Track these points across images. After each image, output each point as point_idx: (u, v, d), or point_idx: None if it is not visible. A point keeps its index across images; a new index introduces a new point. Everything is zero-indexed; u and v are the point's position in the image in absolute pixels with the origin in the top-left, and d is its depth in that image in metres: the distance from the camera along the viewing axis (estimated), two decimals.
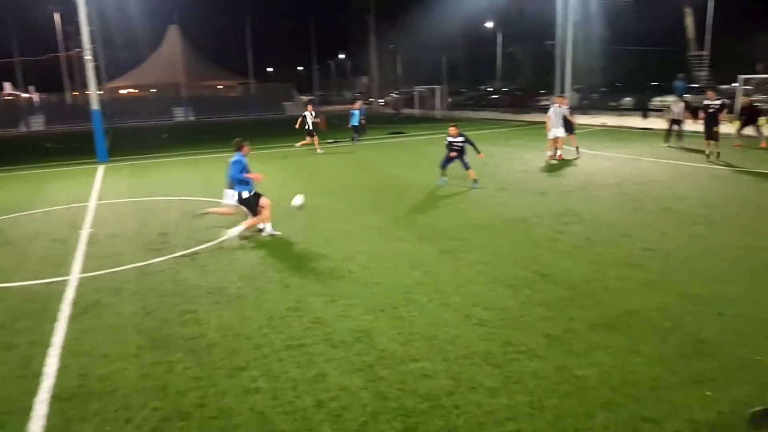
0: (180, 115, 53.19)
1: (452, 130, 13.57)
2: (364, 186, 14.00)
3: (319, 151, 21.53)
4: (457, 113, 41.05)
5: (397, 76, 70.05)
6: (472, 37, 59.64)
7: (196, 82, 62.69)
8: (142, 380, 4.97)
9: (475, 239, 8.87)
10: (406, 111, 44.54)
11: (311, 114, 22.34)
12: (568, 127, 16.98)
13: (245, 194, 9.24)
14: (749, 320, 5.64)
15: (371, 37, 60.53)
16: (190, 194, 13.74)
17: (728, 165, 14.80)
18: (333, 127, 26.92)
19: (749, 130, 18.35)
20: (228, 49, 70.89)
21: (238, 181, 9.15)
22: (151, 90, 63.30)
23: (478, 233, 9.22)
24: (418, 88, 48.20)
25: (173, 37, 64.01)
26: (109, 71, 51.26)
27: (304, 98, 66.87)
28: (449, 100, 46.51)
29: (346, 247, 8.69)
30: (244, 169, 9.11)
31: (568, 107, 17.48)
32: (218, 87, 69.89)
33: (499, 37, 53.60)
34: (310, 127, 22.04)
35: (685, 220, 9.52)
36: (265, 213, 9.43)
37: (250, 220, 9.40)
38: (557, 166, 15.85)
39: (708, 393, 4.43)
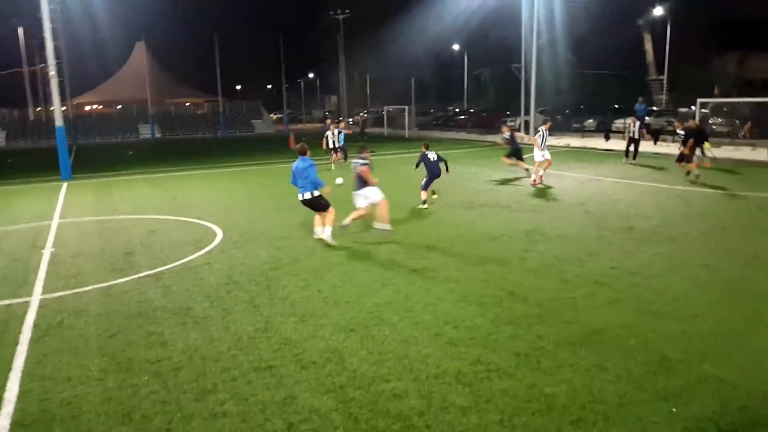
0: (146, 132, 52.48)
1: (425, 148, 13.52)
2: (334, 204, 13.94)
3: (333, 167, 21.32)
4: (425, 133, 41.49)
5: (366, 95, 70.65)
6: (439, 58, 60.73)
7: (163, 99, 62.04)
8: (106, 405, 4.82)
9: (445, 257, 8.92)
10: (377, 131, 44.81)
11: (333, 133, 22.35)
12: (517, 150, 17.89)
13: (313, 194, 9.89)
14: (712, 337, 5.77)
15: (340, 57, 60.95)
16: (155, 212, 13.52)
17: (689, 185, 15.26)
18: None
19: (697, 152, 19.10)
20: (196, 66, 70.67)
21: (312, 182, 9.84)
22: (117, 106, 62.32)
23: (448, 251, 9.28)
24: (387, 108, 48.62)
25: (140, 53, 63.31)
26: (74, 87, 50.32)
27: (273, 116, 66.87)
28: (416, 120, 46.98)
29: (316, 266, 8.63)
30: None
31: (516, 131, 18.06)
32: (186, 104, 69.24)
33: (466, 60, 54.59)
34: (336, 145, 22.16)
35: (649, 238, 9.75)
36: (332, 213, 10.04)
37: (354, 213, 10.29)
38: (524, 184, 16.09)
39: (674, 409, 4.50)
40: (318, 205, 10.01)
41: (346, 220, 10.30)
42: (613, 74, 41.15)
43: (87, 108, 66.59)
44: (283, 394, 4.88)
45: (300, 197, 10.00)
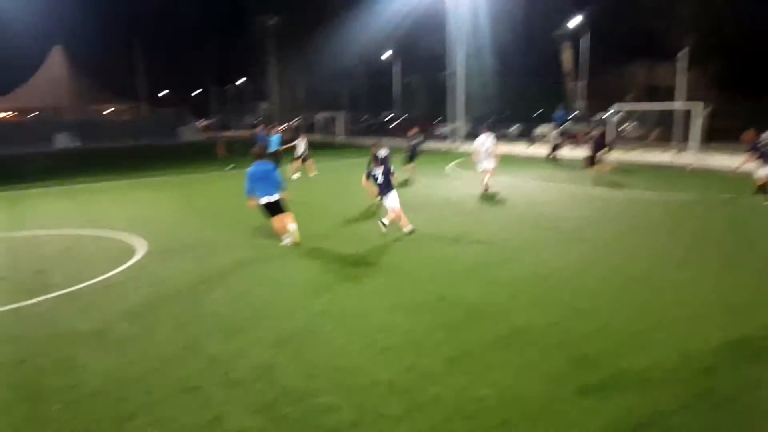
0: (63, 141, 49.79)
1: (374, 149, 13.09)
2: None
3: (294, 177, 20.83)
4: (358, 139, 41.58)
5: (298, 101, 70.08)
6: (371, 66, 61.11)
7: (83, 105, 59.02)
8: None
9: (377, 264, 8.93)
10: (310, 137, 44.43)
11: (304, 141, 21.94)
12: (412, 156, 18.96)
13: (274, 198, 10.18)
14: (627, 333, 6.07)
15: (272, 63, 60.18)
16: (71, 227, 12.81)
17: (604, 187, 16.02)
18: (232, 152, 26.30)
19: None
20: (119, 71, 67.82)
21: (279, 184, 10.23)
22: (31, 114, 58.77)
23: (381, 257, 9.30)
24: (319, 115, 48.42)
25: (57, 58, 60.04)
26: None
27: (203, 123, 65.12)
28: (349, 127, 47.07)
29: (245, 279, 8.43)
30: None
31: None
32: (107, 111, 66.26)
33: (396, 67, 55.21)
34: (299, 153, 21.70)
35: (569, 239, 10.15)
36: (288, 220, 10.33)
37: (391, 215, 10.78)
38: (453, 189, 16.39)
39: (595, 405, 4.68)
40: (283, 206, 10.33)
41: (386, 219, 11.11)
42: (535, 82, 42.79)
43: None
44: (210, 416, 4.71)
45: (266, 200, 10.21)
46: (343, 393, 5.00)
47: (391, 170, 11.33)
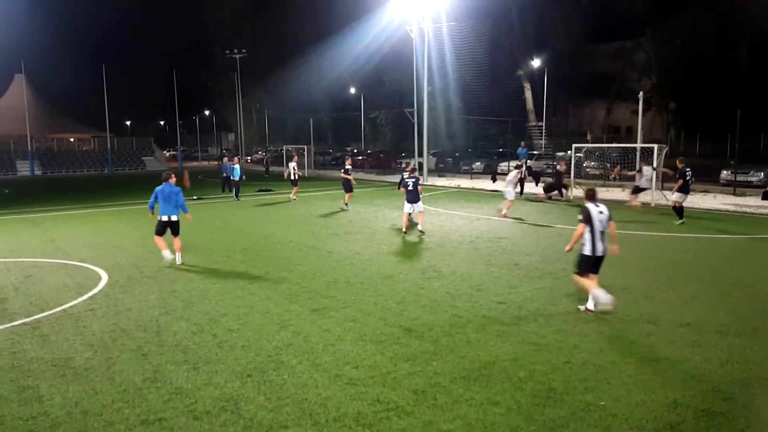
0: (25, 169, 48.60)
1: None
2: (230, 244, 13.64)
3: (293, 198, 23.45)
4: (324, 172, 41.74)
5: (264, 133, 70.14)
6: (337, 100, 61.86)
7: (45, 134, 57.82)
8: None
9: (343, 296, 8.97)
10: (276, 169, 44.42)
11: (294, 165, 24.00)
12: (348, 186, 20.38)
13: (173, 218, 11.17)
14: (592, 367, 6.21)
15: (237, 95, 60.28)
16: (32, 255, 12.49)
17: (563, 224, 16.47)
18: (197, 183, 26.07)
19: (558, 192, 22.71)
20: (82, 100, 67.12)
21: (182, 206, 11.32)
22: None
23: (347, 290, 9.34)
24: (286, 147, 48.50)
25: (19, 86, 58.87)
26: None
27: (167, 153, 64.39)
28: (313, 159, 47.24)
29: (210, 309, 8.35)
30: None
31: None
32: (70, 140, 64.99)
33: (362, 102, 56.03)
34: (293, 177, 23.68)
35: (531, 274, 10.39)
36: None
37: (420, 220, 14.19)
38: (417, 224, 16.58)
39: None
40: (178, 227, 11.32)
41: (420, 227, 14.64)
42: (497, 120, 43.96)
43: None
44: None
45: (166, 219, 11.14)
46: (310, 426, 5.00)
47: (419, 183, 14.80)
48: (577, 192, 22.41)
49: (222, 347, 6.85)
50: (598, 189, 9.83)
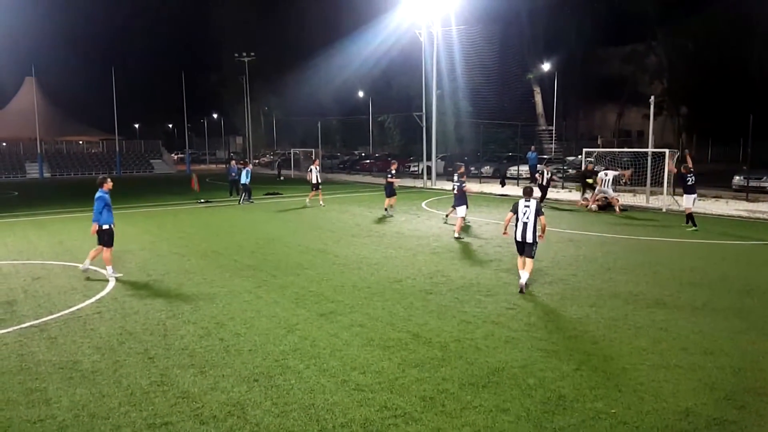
0: (34, 171, 48.99)
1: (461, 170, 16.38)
2: (237, 247, 13.63)
3: (320, 204, 22.49)
4: (332, 176, 41.76)
5: (272, 137, 70.34)
6: (345, 103, 61.94)
7: (54, 136, 58.27)
8: None
9: (351, 301, 8.92)
10: (284, 172, 44.57)
11: (317, 168, 23.16)
12: (390, 190, 19.76)
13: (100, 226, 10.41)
14: (602, 374, 6.13)
15: (245, 99, 60.49)
16: (41, 257, 12.54)
17: (580, 230, 16.37)
18: (205, 186, 26.16)
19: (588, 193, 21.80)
20: (91, 103, 67.51)
21: (95, 212, 10.50)
22: (2, 144, 57.77)
23: (354, 295, 9.29)
24: (294, 150, 48.60)
25: (29, 88, 59.42)
26: None
27: (175, 156, 64.75)
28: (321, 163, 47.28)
29: (217, 313, 8.33)
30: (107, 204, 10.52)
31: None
32: (79, 142, 65.48)
33: (371, 105, 56.06)
34: (314, 181, 22.74)
35: (541, 279, 10.29)
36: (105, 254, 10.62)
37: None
38: (426, 227, 16.54)
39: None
40: (100, 237, 10.54)
41: (456, 234, 14.54)
42: (506, 124, 43.82)
43: None
44: None
45: (107, 227, 10.58)
46: (317, 431, 4.95)
47: (464, 186, 15.47)
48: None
49: (229, 351, 6.83)
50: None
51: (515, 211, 9.66)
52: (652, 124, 23.70)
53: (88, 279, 10.55)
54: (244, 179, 24.34)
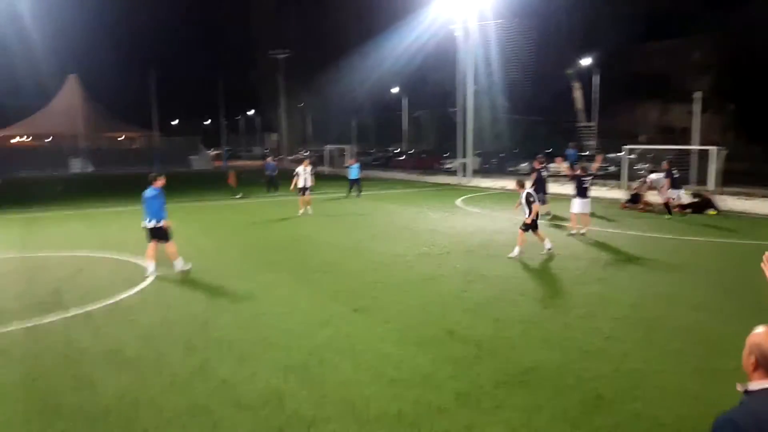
0: (77, 166, 50.54)
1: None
2: (275, 243, 13.85)
3: (304, 211, 18.87)
4: (365, 173, 41.87)
5: (306, 134, 70.94)
6: (379, 100, 62.01)
7: (96, 132, 60.00)
8: None
9: (385, 297, 8.96)
10: (318, 169, 44.78)
11: (307, 170, 19.43)
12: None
13: (157, 223, 10.39)
14: (641, 375, 6.01)
15: (281, 96, 61.16)
16: (85, 250, 12.96)
17: (620, 229, 16.06)
18: (242, 182, 26.59)
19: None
20: (131, 100, 69.20)
21: (155, 212, 10.48)
22: (46, 140, 59.78)
23: (389, 291, 9.33)
24: (328, 147, 48.93)
25: (72, 86, 61.37)
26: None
27: (212, 153, 65.94)
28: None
29: (255, 306, 8.48)
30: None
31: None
32: (119, 138, 67.23)
33: (405, 102, 55.95)
34: (304, 185, 19.10)
35: (579, 279, 10.14)
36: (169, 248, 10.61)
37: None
38: (461, 225, 16.46)
39: None
40: (160, 234, 10.46)
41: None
42: (544, 120, 43.19)
43: (13, 141, 63.56)
44: None
45: (143, 225, 10.54)
46: (352, 422, 5.01)
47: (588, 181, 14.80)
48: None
49: (266, 342, 6.95)
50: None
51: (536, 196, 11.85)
52: (696, 121, 23.01)
53: (129, 271, 10.83)
54: (356, 174, 24.54)
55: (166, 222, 10.49)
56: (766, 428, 2.13)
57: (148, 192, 10.47)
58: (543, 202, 17.52)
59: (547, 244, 12.13)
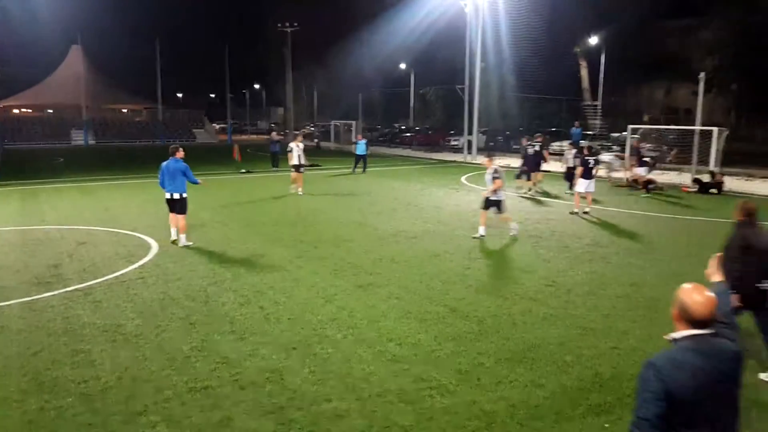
0: (79, 138, 50.39)
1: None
2: (278, 218, 13.79)
3: (298, 192, 17.86)
4: (372, 149, 41.65)
5: (313, 108, 70.44)
6: (387, 75, 61.32)
7: (99, 104, 59.67)
8: (26, 428, 4.53)
9: (389, 274, 8.92)
10: (323, 144, 44.65)
11: (299, 146, 18.23)
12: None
13: (182, 195, 10.55)
14: (640, 353, 5.98)
15: (287, 70, 60.55)
16: (86, 223, 12.93)
17: (616, 207, 15.93)
18: (247, 156, 26.49)
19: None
20: (135, 72, 68.54)
21: (182, 183, 10.60)
22: (48, 111, 59.50)
23: (392, 268, 9.29)
24: (334, 123, 48.62)
25: (75, 57, 60.80)
26: (0, 89, 47.80)
27: (217, 126, 65.67)
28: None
29: (257, 282, 8.46)
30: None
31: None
32: (123, 111, 66.89)
33: (412, 78, 55.34)
34: (297, 162, 17.96)
35: (581, 257, 10.08)
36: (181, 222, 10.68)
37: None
38: (466, 202, 16.36)
39: (606, 425, 4.64)
40: (182, 206, 10.59)
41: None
42: (550, 98, 42.65)
43: (15, 111, 63.30)
44: (219, 416, 4.73)
45: (168, 196, 10.55)
46: (353, 400, 5.00)
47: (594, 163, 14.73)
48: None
49: (268, 319, 6.93)
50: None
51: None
52: (700, 101, 22.68)
53: (130, 245, 10.81)
54: (363, 150, 24.52)
55: (180, 194, 10.60)
56: (681, 368, 2.62)
57: (171, 163, 10.51)
58: (528, 178, 18.61)
59: (513, 229, 11.71)
